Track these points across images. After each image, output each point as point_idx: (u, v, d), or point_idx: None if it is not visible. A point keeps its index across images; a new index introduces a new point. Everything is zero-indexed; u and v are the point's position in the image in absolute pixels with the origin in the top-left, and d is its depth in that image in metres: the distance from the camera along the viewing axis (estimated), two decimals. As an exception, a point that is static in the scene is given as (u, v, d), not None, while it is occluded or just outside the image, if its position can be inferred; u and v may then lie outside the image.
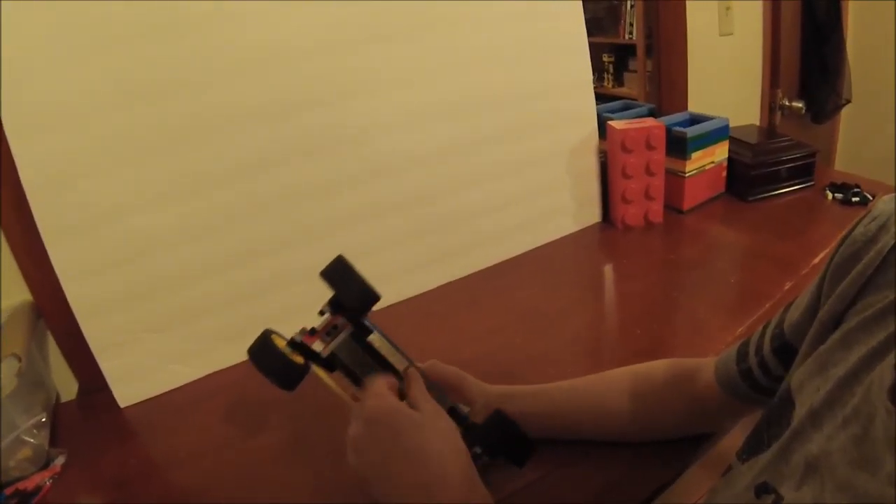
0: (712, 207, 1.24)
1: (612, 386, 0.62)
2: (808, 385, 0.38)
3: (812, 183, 1.25)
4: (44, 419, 0.77)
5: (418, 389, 0.52)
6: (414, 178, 1.01)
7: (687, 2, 1.37)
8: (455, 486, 0.45)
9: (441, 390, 0.57)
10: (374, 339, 0.55)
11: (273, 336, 0.54)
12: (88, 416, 0.85)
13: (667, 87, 1.41)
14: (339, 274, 0.53)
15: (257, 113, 0.86)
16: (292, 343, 0.53)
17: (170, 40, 0.80)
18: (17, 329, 0.81)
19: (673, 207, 1.21)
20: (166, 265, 0.86)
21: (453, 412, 0.56)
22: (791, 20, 1.75)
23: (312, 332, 0.54)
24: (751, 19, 1.61)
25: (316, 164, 0.92)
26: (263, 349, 0.53)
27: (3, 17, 0.69)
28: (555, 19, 1.08)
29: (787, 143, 1.25)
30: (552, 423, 0.57)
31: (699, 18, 1.42)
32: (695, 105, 1.45)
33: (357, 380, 0.54)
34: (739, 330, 0.82)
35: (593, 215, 1.22)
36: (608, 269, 1.13)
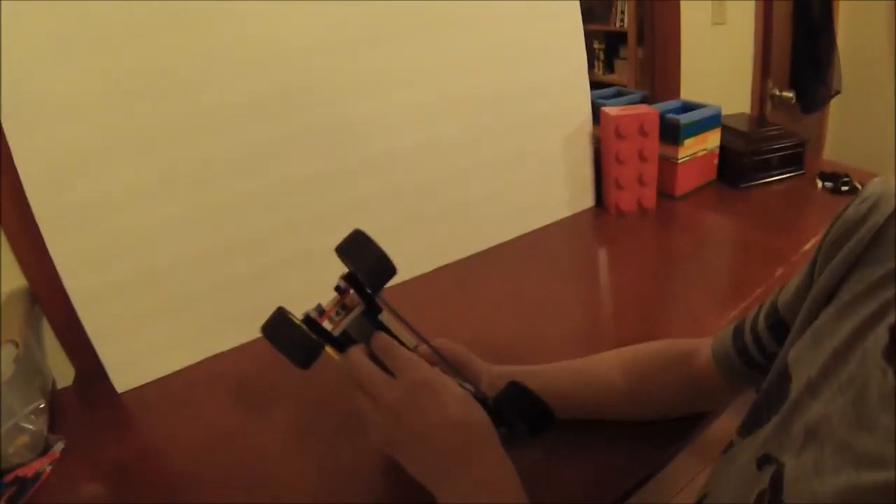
0: (704, 194, 1.25)
1: (612, 366, 0.63)
2: (803, 359, 0.39)
3: (802, 172, 1.27)
4: (42, 405, 0.77)
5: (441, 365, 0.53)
6: (411, 167, 1.01)
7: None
8: (489, 456, 0.47)
9: (450, 368, 0.58)
10: (385, 316, 0.55)
11: (288, 314, 0.53)
12: (86, 402, 0.86)
13: (660, 75, 1.41)
14: (358, 247, 0.53)
15: (255, 108, 0.87)
16: (307, 320, 0.53)
17: (169, 37, 0.80)
18: (14, 315, 0.81)
19: (665, 194, 1.22)
20: (162, 253, 0.87)
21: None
22: (784, 11, 1.76)
23: (321, 311, 0.53)
24: (743, 9, 1.62)
25: (311, 157, 0.93)
26: (281, 326, 0.52)
27: (2, 15, 0.69)
28: (553, 17, 1.09)
29: (777, 131, 1.26)
30: (554, 402, 0.58)
31: (692, 7, 1.43)
32: (687, 93, 1.46)
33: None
34: (732, 314, 0.83)
35: (587, 201, 1.23)
36: (602, 254, 1.15)
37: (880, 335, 0.33)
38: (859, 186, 1.16)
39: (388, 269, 0.53)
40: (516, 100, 1.08)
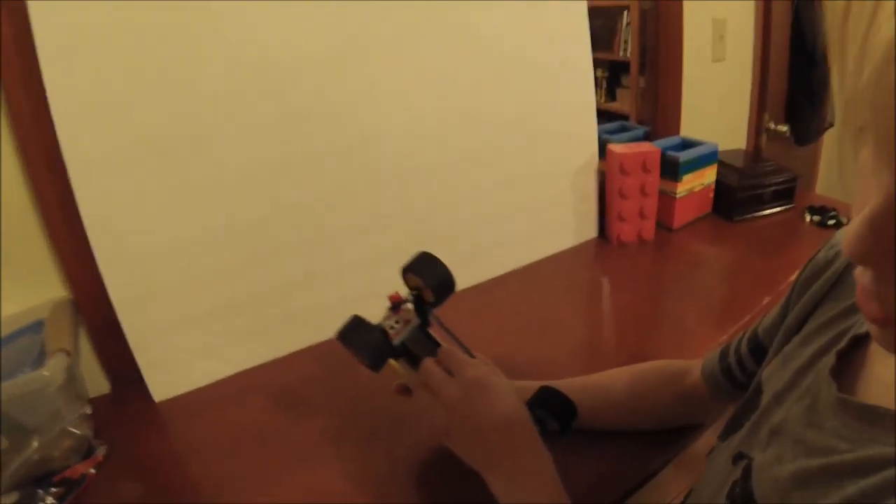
0: (700, 226, 1.31)
1: (614, 382, 0.70)
2: (773, 376, 0.47)
3: (793, 205, 1.33)
4: (89, 411, 0.80)
5: None
6: (425, 193, 1.06)
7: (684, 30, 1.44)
8: (533, 447, 0.54)
9: None
10: (435, 329, 0.63)
11: (365, 320, 0.61)
12: (122, 409, 0.89)
13: (661, 111, 1.47)
14: (428, 265, 0.61)
15: (283, 127, 0.91)
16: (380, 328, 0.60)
17: (195, 52, 0.84)
18: (63, 325, 0.83)
19: (663, 225, 1.27)
20: (204, 266, 0.90)
21: None
22: (780, 46, 1.81)
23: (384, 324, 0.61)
24: (742, 46, 1.67)
25: (329, 178, 0.97)
26: (360, 329, 0.59)
27: (59, 71, 0.75)
28: (564, 48, 1.14)
29: (770, 167, 1.33)
30: None
31: (693, 45, 1.48)
32: (686, 125, 1.51)
33: (417, 366, 0.61)
34: (722, 338, 0.89)
35: (590, 231, 1.28)
36: (604, 281, 1.19)
37: (831, 357, 0.41)
38: (845, 221, 1.23)
39: (452, 286, 0.61)
40: (528, 125, 1.13)
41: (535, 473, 0.53)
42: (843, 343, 0.41)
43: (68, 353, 0.78)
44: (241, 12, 0.84)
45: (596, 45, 1.17)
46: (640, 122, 1.51)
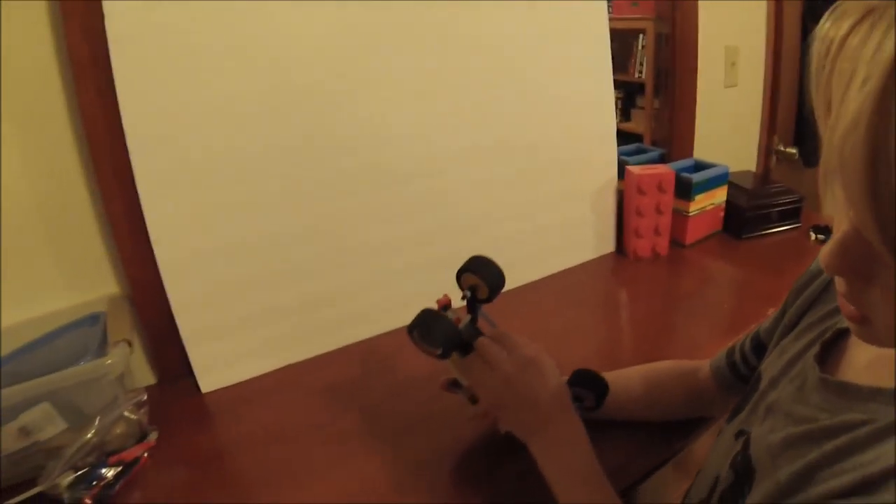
0: (710, 243, 1.36)
1: (633, 377, 0.77)
2: (770, 366, 0.55)
3: (799, 225, 1.38)
4: (144, 398, 0.84)
5: None
6: (461, 212, 1.13)
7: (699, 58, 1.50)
8: (572, 421, 0.62)
9: None
10: (483, 324, 0.70)
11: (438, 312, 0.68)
12: (170, 399, 0.93)
13: (677, 134, 1.53)
14: (484, 266, 0.68)
15: (321, 151, 0.98)
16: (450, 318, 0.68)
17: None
18: (122, 318, 0.90)
19: (677, 242, 1.33)
20: (251, 273, 0.96)
21: None
22: (790, 72, 1.86)
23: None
24: (754, 72, 1.72)
25: (369, 197, 1.04)
26: (434, 318, 0.66)
27: (131, 89, 0.82)
28: (590, 83, 1.23)
29: (778, 189, 1.38)
30: None
31: (707, 72, 1.54)
32: (699, 148, 1.57)
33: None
34: (728, 344, 0.94)
35: (608, 246, 1.34)
36: (621, 293, 1.24)
37: (816, 347, 0.49)
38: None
39: (503, 282, 0.69)
40: (554, 148, 1.20)
41: (574, 443, 0.61)
42: (827, 335, 0.49)
43: (129, 344, 0.83)
44: (284, 41, 0.92)
45: (612, 66, 1.24)
46: (654, 142, 1.56)
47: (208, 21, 0.86)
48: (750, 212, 1.34)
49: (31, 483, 0.73)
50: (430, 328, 0.65)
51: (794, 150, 1.88)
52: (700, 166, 1.37)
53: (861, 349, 0.46)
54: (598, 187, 1.29)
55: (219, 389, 0.96)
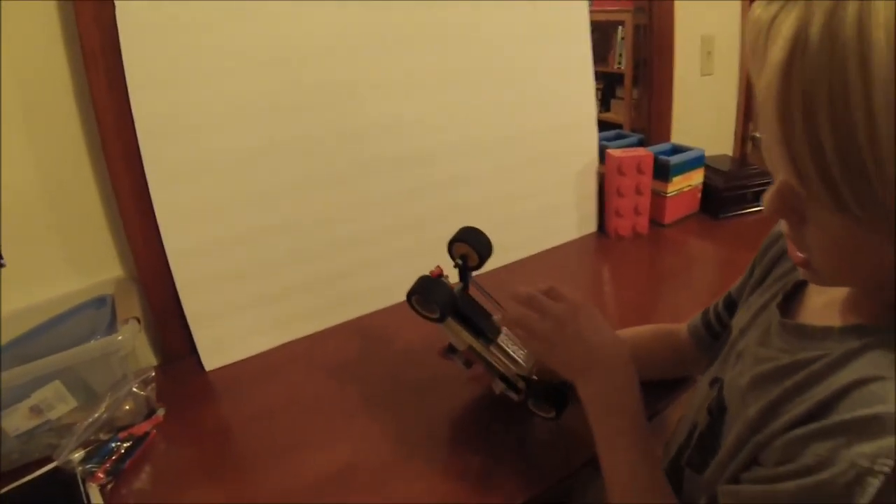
0: (689, 223, 1.41)
1: None
2: (739, 318, 0.60)
3: (774, 205, 1.45)
4: (153, 374, 0.86)
5: None
6: (457, 197, 1.17)
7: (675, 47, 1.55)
8: (629, 371, 0.61)
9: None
10: (473, 291, 0.74)
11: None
12: (175, 377, 0.95)
13: (654, 119, 1.58)
14: (473, 235, 0.72)
15: (329, 144, 1.02)
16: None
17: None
18: (130, 298, 0.92)
19: (656, 222, 1.38)
20: (255, 256, 0.99)
21: None
22: None
23: None
24: (729, 61, 1.76)
25: (365, 188, 1.08)
26: (431, 283, 0.68)
27: (142, 85, 0.85)
28: (568, 71, 1.29)
29: (753, 171, 1.44)
30: None
31: (684, 61, 1.58)
32: (677, 134, 1.61)
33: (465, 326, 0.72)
34: None
35: (591, 226, 1.39)
36: (604, 270, 1.30)
37: (779, 297, 0.54)
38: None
39: (491, 248, 0.73)
40: (538, 135, 1.25)
41: (625, 391, 0.60)
42: (788, 286, 0.55)
43: (139, 321, 0.86)
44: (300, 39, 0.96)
45: (593, 58, 1.29)
46: (633, 131, 1.61)
47: (218, 14, 0.89)
48: (727, 192, 1.40)
49: (43, 462, 0.75)
50: (428, 293, 0.68)
51: (768, 136, 1.93)
52: (677, 150, 1.42)
53: (817, 295, 0.51)
54: (580, 171, 1.34)
55: (222, 367, 0.98)
